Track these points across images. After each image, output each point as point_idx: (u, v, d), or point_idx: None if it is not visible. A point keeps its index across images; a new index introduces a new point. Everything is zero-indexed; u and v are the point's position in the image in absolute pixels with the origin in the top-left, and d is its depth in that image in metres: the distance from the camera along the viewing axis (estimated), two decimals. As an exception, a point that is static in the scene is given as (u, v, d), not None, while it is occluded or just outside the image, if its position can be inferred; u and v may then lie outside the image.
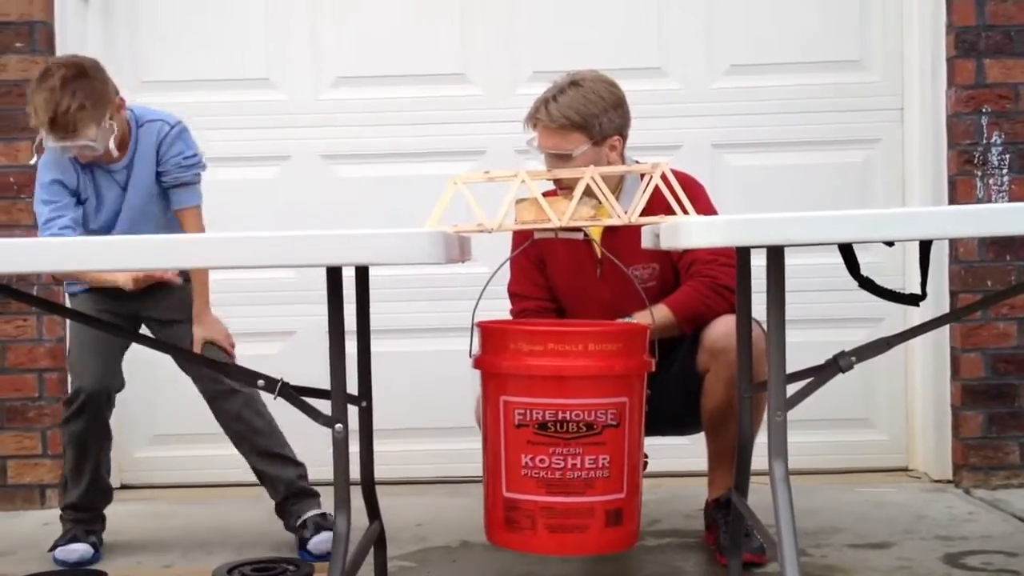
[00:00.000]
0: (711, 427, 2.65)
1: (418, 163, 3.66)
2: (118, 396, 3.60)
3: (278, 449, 2.89)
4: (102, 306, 2.81)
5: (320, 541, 2.76)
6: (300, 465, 2.92)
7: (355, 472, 2.02)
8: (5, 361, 3.46)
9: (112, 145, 2.68)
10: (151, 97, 3.66)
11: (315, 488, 2.92)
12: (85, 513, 2.88)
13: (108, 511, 2.97)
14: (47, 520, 3.23)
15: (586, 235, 2.64)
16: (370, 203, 3.64)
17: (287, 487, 2.88)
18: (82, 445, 2.81)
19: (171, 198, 2.84)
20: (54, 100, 2.57)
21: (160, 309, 2.86)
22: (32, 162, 2.81)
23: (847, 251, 2.18)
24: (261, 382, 2.01)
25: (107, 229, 2.81)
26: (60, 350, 3.49)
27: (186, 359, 2.75)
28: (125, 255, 1.72)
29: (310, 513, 2.84)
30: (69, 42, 3.54)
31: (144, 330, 2.90)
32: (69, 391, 2.87)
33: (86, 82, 2.62)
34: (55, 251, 1.73)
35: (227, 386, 2.82)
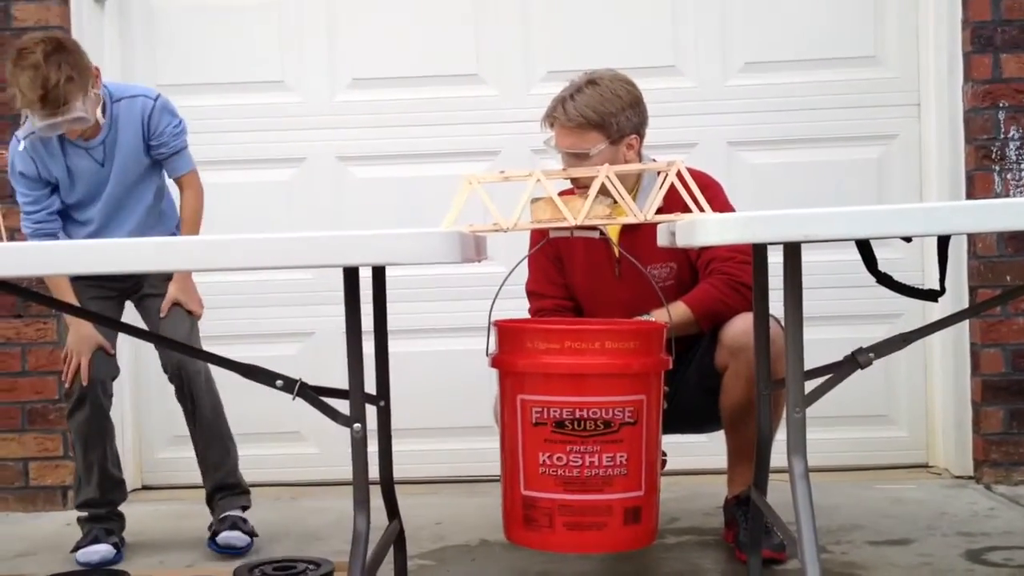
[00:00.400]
0: (730, 424, 2.65)
1: (433, 164, 3.67)
2: (140, 397, 3.64)
3: (224, 431, 2.94)
4: (96, 293, 2.85)
5: (229, 536, 2.83)
6: (236, 454, 2.98)
7: (374, 472, 2.03)
8: (26, 364, 3.49)
9: (99, 115, 2.71)
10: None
11: (246, 485, 2.98)
12: (101, 509, 2.90)
13: (130, 511, 2.99)
14: (69, 520, 3.25)
15: (603, 235, 2.63)
16: (386, 204, 3.65)
17: (222, 477, 2.93)
18: (86, 437, 2.84)
19: (168, 167, 2.91)
20: (41, 76, 2.55)
21: (154, 283, 2.91)
22: None
23: (864, 247, 2.17)
24: (280, 382, 2.01)
25: (86, 205, 2.83)
26: (80, 353, 3.51)
27: (161, 342, 2.78)
28: (139, 257, 1.73)
29: (232, 512, 2.90)
30: (85, 47, 3.53)
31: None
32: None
33: (67, 54, 2.61)
34: (54, 253, 1.75)
35: (189, 360, 2.86)
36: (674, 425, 2.53)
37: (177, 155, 2.89)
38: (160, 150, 2.86)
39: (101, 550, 2.82)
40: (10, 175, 2.82)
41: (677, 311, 2.54)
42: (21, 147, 2.75)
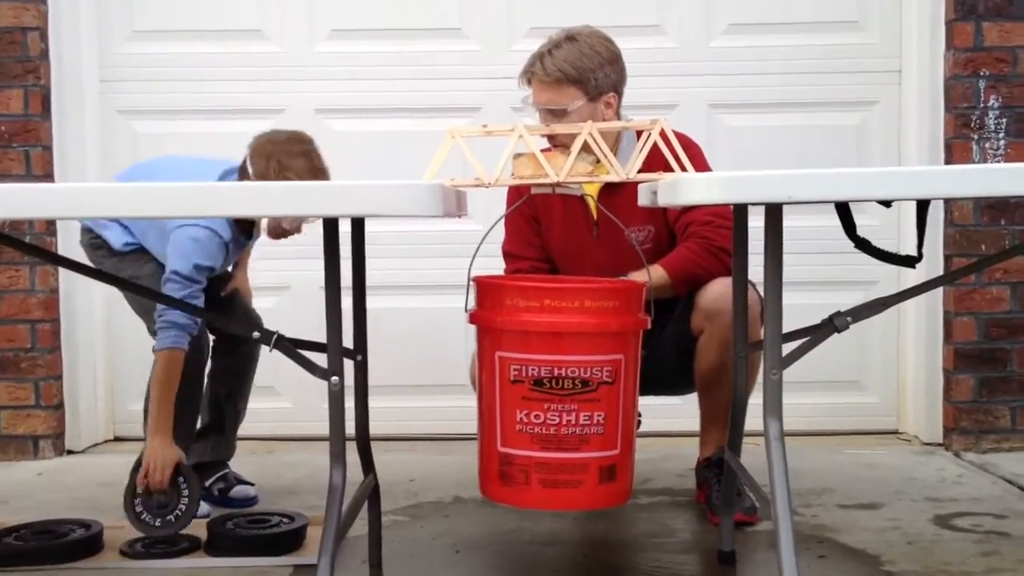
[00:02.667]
0: (704, 387, 2.66)
1: (413, 118, 3.64)
2: (112, 349, 3.61)
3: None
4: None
5: (245, 489, 2.89)
6: None
7: (349, 428, 2.02)
8: (-4, 312, 3.45)
9: None
10: (143, 47, 3.65)
11: None
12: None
13: (102, 462, 2.99)
14: (40, 470, 3.25)
15: (584, 193, 2.62)
16: (364, 158, 3.62)
17: (225, 455, 2.96)
18: (192, 381, 2.75)
19: None
20: (315, 160, 2.67)
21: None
22: None
23: (844, 211, 2.17)
24: (257, 334, 2.00)
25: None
26: (53, 301, 3.48)
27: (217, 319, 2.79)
28: (116, 202, 1.70)
29: (226, 470, 2.93)
30: (61, -10, 3.51)
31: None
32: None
33: None
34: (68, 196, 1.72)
35: (252, 348, 2.92)
36: (649, 387, 2.54)
37: None
38: None
39: (246, 489, 2.87)
40: (191, 266, 2.60)
41: (654, 274, 2.54)
42: (229, 243, 2.71)
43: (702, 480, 2.74)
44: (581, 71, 2.58)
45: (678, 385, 2.76)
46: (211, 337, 2.86)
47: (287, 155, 2.62)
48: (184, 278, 2.58)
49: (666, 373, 2.66)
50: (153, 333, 2.73)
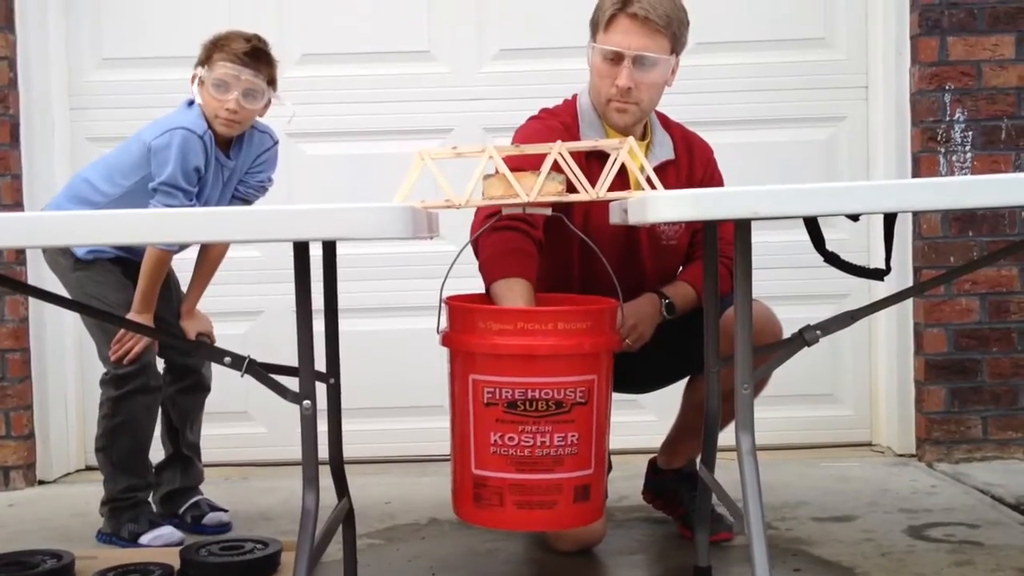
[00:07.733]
0: (700, 403, 2.60)
1: (384, 141, 3.64)
2: (84, 377, 3.57)
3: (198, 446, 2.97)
4: (129, 278, 2.73)
5: (219, 516, 2.86)
6: None
7: (323, 452, 2.01)
8: (-35, 342, 3.42)
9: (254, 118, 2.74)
10: (112, 74, 3.64)
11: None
12: (145, 493, 2.81)
13: (73, 492, 2.96)
14: (11, 501, 3.21)
15: (555, 212, 2.59)
16: (336, 181, 3.62)
17: (197, 481, 2.93)
18: (141, 420, 2.72)
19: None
20: (252, 37, 2.66)
21: (171, 302, 2.85)
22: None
23: (813, 226, 2.19)
24: (228, 359, 1.99)
25: None
26: (23, 331, 3.45)
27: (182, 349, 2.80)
28: (79, 230, 1.69)
29: (198, 497, 2.90)
30: (29, 15, 3.49)
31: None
32: (105, 367, 2.74)
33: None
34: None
35: (206, 386, 2.90)
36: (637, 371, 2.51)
37: (241, 204, 2.78)
38: (240, 188, 2.78)
39: (167, 532, 2.74)
40: (179, 168, 2.56)
41: (684, 291, 2.52)
42: (204, 136, 2.61)
43: (670, 491, 2.73)
44: (677, 23, 2.37)
45: (652, 382, 2.71)
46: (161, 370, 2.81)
47: (225, 36, 2.67)
48: (170, 186, 2.54)
49: (654, 363, 2.58)
50: (104, 358, 2.71)
